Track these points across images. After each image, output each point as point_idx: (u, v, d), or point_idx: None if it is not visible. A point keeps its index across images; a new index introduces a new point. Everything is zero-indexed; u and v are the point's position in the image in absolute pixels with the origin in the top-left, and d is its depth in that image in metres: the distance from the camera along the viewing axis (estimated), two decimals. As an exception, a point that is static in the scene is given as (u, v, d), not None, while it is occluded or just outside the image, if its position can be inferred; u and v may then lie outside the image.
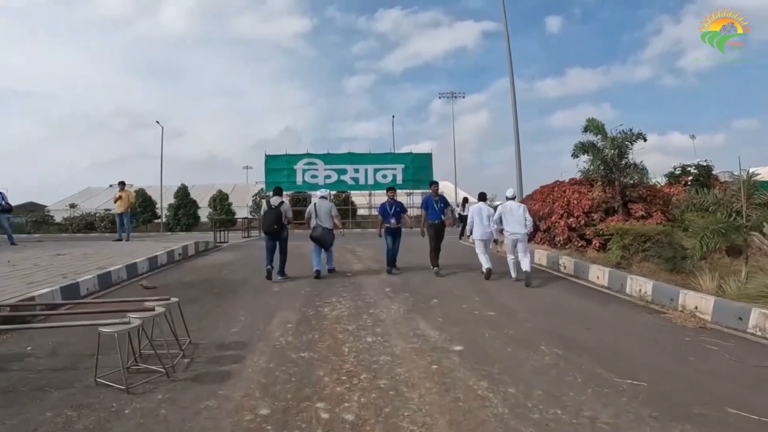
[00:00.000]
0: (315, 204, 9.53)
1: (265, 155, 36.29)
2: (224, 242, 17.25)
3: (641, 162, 10.66)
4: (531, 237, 10.32)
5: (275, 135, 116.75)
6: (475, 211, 9.50)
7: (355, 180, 36.12)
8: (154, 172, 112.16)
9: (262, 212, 9.64)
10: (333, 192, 37.51)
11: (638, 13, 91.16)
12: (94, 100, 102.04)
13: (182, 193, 40.48)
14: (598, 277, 7.86)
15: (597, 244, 9.86)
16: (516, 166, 15.38)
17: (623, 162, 10.45)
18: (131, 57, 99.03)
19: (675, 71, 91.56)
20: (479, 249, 9.41)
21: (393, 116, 45.27)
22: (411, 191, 37.43)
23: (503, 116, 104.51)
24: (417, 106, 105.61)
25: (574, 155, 11.39)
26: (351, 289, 7.86)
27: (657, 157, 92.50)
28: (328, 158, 36.34)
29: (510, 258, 9.00)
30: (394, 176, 36.11)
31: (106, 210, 42.34)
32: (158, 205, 42.82)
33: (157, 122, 41.20)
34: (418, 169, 36.15)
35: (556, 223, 10.32)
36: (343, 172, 36.00)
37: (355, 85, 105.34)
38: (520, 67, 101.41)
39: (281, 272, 9.21)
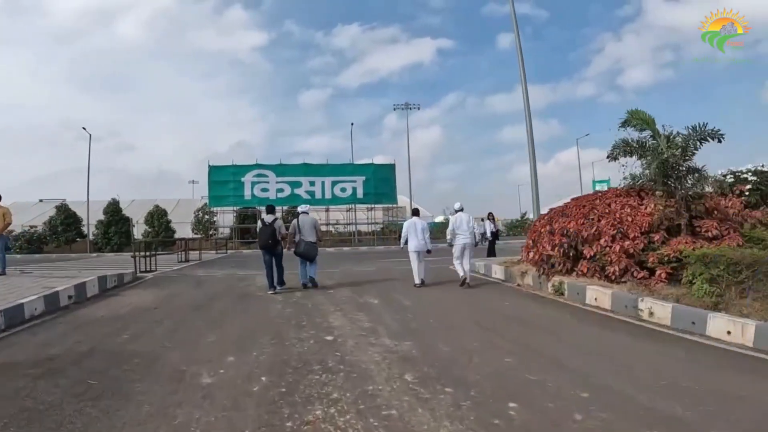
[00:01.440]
0: (298, 219, 9.76)
1: (209, 166, 32.41)
2: (149, 271, 13.57)
3: (704, 167, 8.11)
4: (572, 265, 7.87)
5: (226, 149, 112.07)
6: (410, 225, 10.02)
7: (311, 194, 32.77)
8: (99, 186, 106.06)
9: (257, 229, 10.31)
10: (285, 207, 34.03)
11: (583, 32, 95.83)
12: (40, 113, 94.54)
13: (113, 208, 35.63)
14: (729, 332, 4.96)
15: (663, 275, 7.16)
16: (532, 180, 13.00)
17: (684, 167, 7.92)
18: (81, 69, 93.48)
19: (615, 88, 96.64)
20: (413, 260, 9.87)
21: (352, 124, 42.65)
22: (372, 206, 34.41)
23: (455, 132, 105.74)
24: (370, 121, 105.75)
25: (613, 157, 8.77)
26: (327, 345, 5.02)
27: (598, 171, 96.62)
28: (280, 169, 32.82)
29: (457, 262, 9.64)
30: (354, 189, 33.05)
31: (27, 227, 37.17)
32: (84, 222, 37.70)
33: (84, 129, 36.25)
34: (381, 181, 33.25)
35: (608, 248, 7.54)
36: (298, 185, 32.60)
37: (310, 100, 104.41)
38: (472, 83, 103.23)
39: (280, 282, 9.51)
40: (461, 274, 9.45)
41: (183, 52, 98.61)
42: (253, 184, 32.19)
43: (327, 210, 34.08)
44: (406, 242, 9.97)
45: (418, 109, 48.25)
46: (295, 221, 9.77)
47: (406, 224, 10.23)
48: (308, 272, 9.79)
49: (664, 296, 6.60)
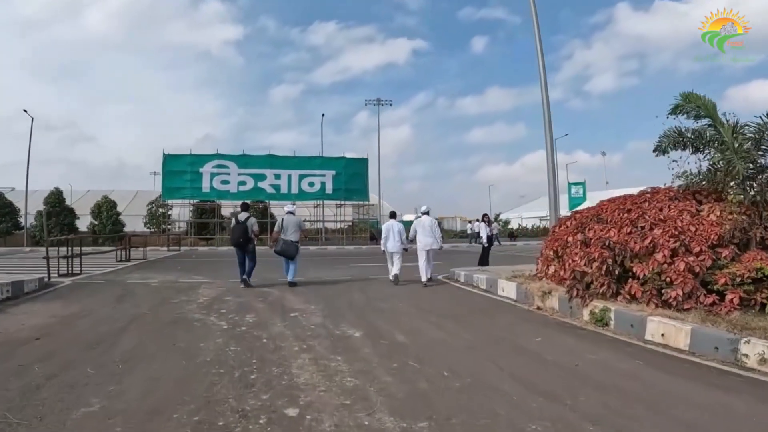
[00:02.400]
0: (283, 219, 9.81)
1: (164, 155, 29.39)
2: (70, 275, 10.91)
3: None
4: (616, 287, 5.85)
5: (192, 143, 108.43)
6: (388, 227, 10.53)
7: (276, 188, 30.21)
8: (53, 177, 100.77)
9: (231, 226, 10.12)
10: (249, 201, 31.31)
11: (555, 39, 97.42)
12: None
13: (55, 198, 32.18)
14: None
15: (735, 300, 5.31)
16: (549, 179, 11.62)
17: (758, 163, 6.11)
18: (43, 59, 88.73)
19: (582, 94, 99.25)
20: (392, 260, 10.34)
21: (323, 115, 40.05)
22: (342, 202, 32.11)
23: (424, 132, 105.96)
24: (341, 118, 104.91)
25: (662, 150, 6.91)
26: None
27: (562, 174, 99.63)
28: (243, 160, 30.10)
29: (420, 264, 9.96)
30: (323, 184, 30.66)
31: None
32: (22, 213, 34.01)
33: (25, 111, 32.55)
34: (352, 177, 30.97)
35: (668, 266, 5.62)
36: (262, 177, 29.97)
37: (281, 95, 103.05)
38: (444, 84, 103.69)
39: (248, 275, 9.66)
40: (422, 278, 9.89)
41: (152, 43, 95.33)
42: (213, 175, 29.37)
43: (293, 205, 31.58)
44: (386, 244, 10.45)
45: (390, 105, 46.59)
46: (280, 220, 9.94)
47: (384, 226, 10.90)
48: (288, 272, 9.79)
49: (740, 324, 4.72)
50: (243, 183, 29.71)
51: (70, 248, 12.14)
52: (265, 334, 5.54)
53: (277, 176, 30.10)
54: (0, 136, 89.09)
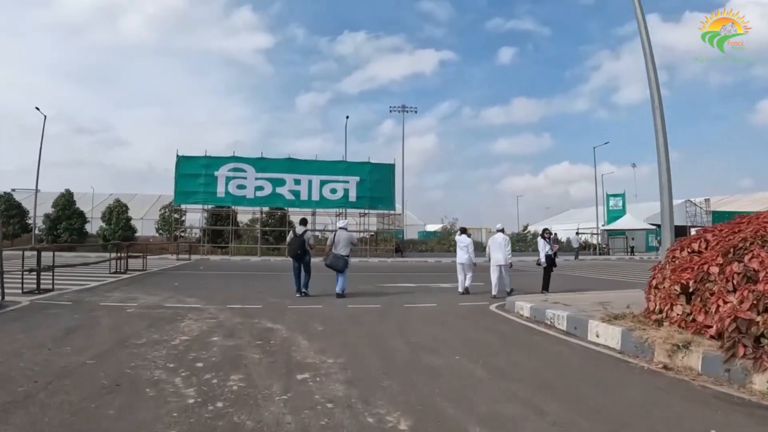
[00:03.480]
0: (336, 234, 10.24)
1: (177, 156, 27.61)
2: (39, 292, 8.82)
3: None
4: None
5: (222, 148, 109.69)
6: (458, 241, 11.28)
7: (296, 194, 28.11)
8: (86, 179, 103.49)
9: (288, 240, 10.80)
10: (266, 208, 29.41)
11: (583, 49, 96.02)
12: (35, 104, 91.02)
13: (64, 201, 30.73)
14: None
15: None
16: (663, 190, 9.13)
17: None
18: (82, 63, 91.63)
19: (609, 105, 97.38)
20: (459, 271, 10.96)
21: (347, 117, 38.10)
22: (366, 211, 29.82)
23: (448, 141, 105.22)
24: (365, 126, 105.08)
25: None
26: None
27: (587, 185, 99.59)
28: (261, 164, 28.11)
29: (492, 278, 10.39)
30: (346, 191, 28.45)
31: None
32: (31, 215, 32.73)
33: (37, 108, 31.31)
34: (377, 183, 28.68)
35: None
36: (280, 183, 27.92)
37: (307, 103, 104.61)
38: (469, 93, 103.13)
39: (305, 286, 10.12)
40: (492, 291, 10.28)
41: (184, 49, 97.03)
42: (228, 179, 27.44)
43: (314, 213, 29.38)
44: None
45: (415, 112, 43.98)
46: (332, 235, 10.36)
47: (458, 239, 11.46)
48: (337, 284, 10.02)
49: None
50: (260, 188, 27.71)
51: (49, 259, 10.10)
52: (251, 421, 3.23)
53: (297, 181, 28.01)
54: (32, 138, 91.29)
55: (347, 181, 28.37)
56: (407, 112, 43.42)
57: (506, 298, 8.90)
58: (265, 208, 29.61)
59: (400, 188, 32.54)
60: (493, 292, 10.17)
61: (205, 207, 28.54)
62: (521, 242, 39.23)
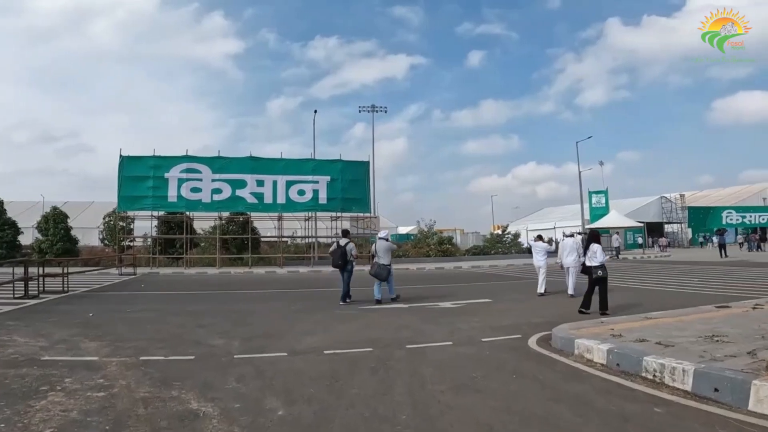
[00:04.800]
0: (375, 244, 10.99)
1: (121, 156, 24.17)
2: None
3: None
4: None
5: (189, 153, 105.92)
6: (534, 246, 12.29)
7: (259, 197, 25.01)
8: (51, 187, 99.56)
9: (330, 250, 11.24)
10: (225, 213, 26.24)
11: (549, 52, 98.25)
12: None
13: (-9, 210, 26.81)
14: None
15: None
16: None
17: None
18: (46, 70, 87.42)
19: (573, 107, 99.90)
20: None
21: (315, 111, 35.07)
22: (339, 214, 26.95)
23: (419, 144, 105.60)
24: (336, 130, 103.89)
25: None
26: None
27: (553, 185, 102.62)
28: (218, 164, 24.93)
29: (567, 280, 11.28)
30: (316, 192, 25.53)
31: None
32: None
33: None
34: (351, 183, 25.86)
35: None
36: (241, 184, 24.80)
37: (278, 107, 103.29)
38: (439, 96, 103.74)
39: (348, 296, 10.63)
40: (569, 290, 11.16)
41: (153, 56, 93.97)
42: (181, 181, 24.16)
43: (280, 218, 26.35)
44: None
45: (385, 112, 41.93)
46: (373, 246, 11.37)
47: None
48: (384, 290, 10.62)
49: None
50: (218, 191, 24.54)
51: None
52: None
53: (260, 183, 24.94)
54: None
55: (317, 182, 25.46)
56: (377, 112, 41.21)
57: (552, 330, 6.24)
58: (225, 213, 26.42)
59: (371, 190, 29.91)
60: (570, 291, 11.07)
61: (155, 213, 25.13)
62: (499, 244, 36.97)
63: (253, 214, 26.44)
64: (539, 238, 12.89)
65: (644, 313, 7.29)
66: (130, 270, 20.77)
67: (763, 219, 51.30)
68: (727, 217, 50.27)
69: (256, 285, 16.16)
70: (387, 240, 11.03)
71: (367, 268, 11.19)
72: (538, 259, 11.87)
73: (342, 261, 10.46)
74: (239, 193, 24.66)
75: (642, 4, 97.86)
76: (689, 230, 50.71)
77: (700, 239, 46.26)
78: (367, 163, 27.17)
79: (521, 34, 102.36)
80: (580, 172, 38.47)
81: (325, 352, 5.84)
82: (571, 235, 12.23)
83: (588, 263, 8.36)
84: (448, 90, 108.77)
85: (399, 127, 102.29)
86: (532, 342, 6.18)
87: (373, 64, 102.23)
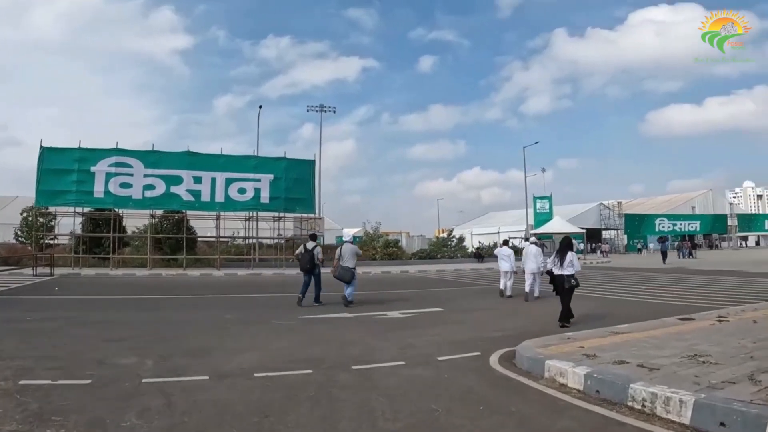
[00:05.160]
0: (341, 248, 10.91)
1: (41, 147, 22.13)
2: None
3: None
4: None
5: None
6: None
7: (196, 194, 23.60)
8: None
9: (298, 253, 11.34)
10: (159, 211, 24.61)
11: (498, 60, 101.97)
12: None
13: None
14: None
15: None
16: None
17: None
18: None
19: (518, 114, 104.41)
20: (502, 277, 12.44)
21: (260, 107, 33.94)
22: (282, 215, 25.90)
23: (367, 146, 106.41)
24: (283, 129, 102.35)
25: None
26: None
27: (496, 191, 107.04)
28: (151, 158, 23.31)
29: (527, 284, 11.65)
30: (257, 191, 24.39)
31: None
32: None
33: None
34: (295, 183, 24.90)
35: None
36: (176, 180, 23.30)
37: (225, 105, 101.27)
38: (389, 99, 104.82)
39: (317, 299, 10.68)
40: (527, 289, 11.66)
41: (95, 49, 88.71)
42: (109, 176, 22.40)
43: (218, 217, 24.98)
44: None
45: (334, 112, 41.12)
46: (339, 249, 11.04)
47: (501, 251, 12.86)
48: (346, 290, 10.61)
49: None
50: (151, 187, 22.93)
51: None
52: None
53: (198, 179, 23.54)
54: None
55: (259, 180, 24.33)
56: (325, 112, 40.40)
57: (516, 348, 5.66)
58: (159, 211, 24.79)
59: (317, 191, 29.05)
60: (527, 290, 11.59)
61: (79, 210, 23.19)
62: (445, 248, 36.92)
63: (190, 212, 24.93)
64: (505, 243, 13.44)
65: (608, 326, 6.85)
66: (47, 271, 18.92)
67: (692, 227, 54.40)
68: (659, 224, 52.88)
69: (188, 289, 14.98)
70: (352, 243, 11.27)
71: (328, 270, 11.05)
72: (504, 265, 12.35)
73: (311, 265, 10.64)
74: (174, 189, 23.16)
75: (588, 16, 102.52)
76: (625, 236, 52.93)
77: (638, 245, 48.24)
78: (313, 161, 26.32)
79: (472, 41, 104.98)
80: (526, 177, 39.23)
81: (257, 375, 4.98)
82: (535, 243, 12.45)
83: (564, 272, 7.91)
84: (398, 93, 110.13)
85: (348, 129, 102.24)
86: (494, 361, 5.58)
87: (326, 66, 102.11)
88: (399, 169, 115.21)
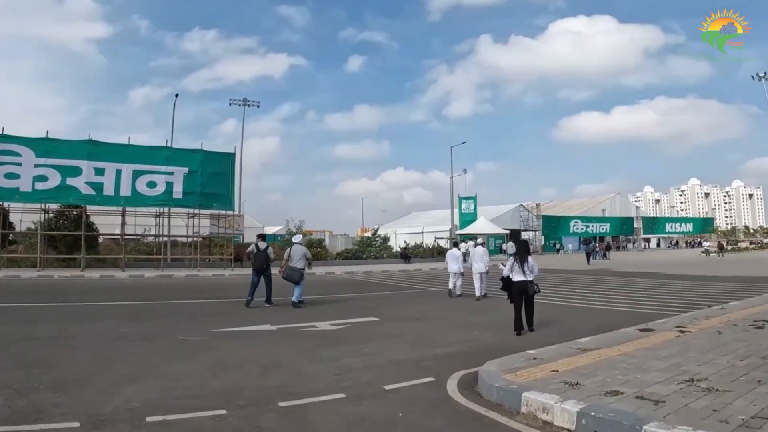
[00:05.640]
0: (291, 249, 11.13)
1: None
2: None
3: None
4: None
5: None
6: (474, 251, 12.88)
7: (97, 187, 21.26)
8: None
9: (249, 251, 11.54)
10: (54, 206, 21.97)
11: (425, 63, 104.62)
12: None
13: None
14: None
15: None
16: None
17: None
18: None
19: (441, 117, 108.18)
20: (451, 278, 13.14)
21: (176, 95, 31.41)
22: (196, 211, 24.03)
23: (291, 144, 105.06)
24: (204, 124, 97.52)
25: None
26: None
27: (419, 191, 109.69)
28: (44, 146, 20.68)
29: (475, 284, 12.27)
30: (170, 185, 22.42)
31: None
32: None
33: None
34: (212, 177, 23.18)
35: None
36: (74, 172, 20.84)
37: (142, 97, 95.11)
38: (315, 98, 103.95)
39: (268, 300, 10.81)
40: (476, 293, 12.25)
41: None
42: (-8, 165, 19.60)
43: (124, 213, 22.67)
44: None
45: (257, 107, 39.41)
46: (288, 250, 11.24)
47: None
48: (294, 294, 10.73)
49: None
50: (43, 178, 20.34)
51: None
52: None
53: (100, 171, 21.22)
54: None
55: (171, 173, 22.40)
56: (248, 106, 38.55)
57: (478, 373, 4.87)
58: (55, 206, 22.14)
59: (237, 187, 27.45)
60: (477, 293, 12.18)
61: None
62: (369, 248, 36.43)
63: (91, 207, 22.45)
64: (455, 245, 14.40)
65: (568, 341, 6.17)
66: None
67: (603, 228, 57.92)
68: (574, 226, 55.76)
69: (82, 295, 13.13)
70: (301, 245, 11.53)
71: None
72: (453, 266, 12.97)
73: (266, 264, 10.84)
74: (71, 182, 20.71)
75: (512, 24, 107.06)
76: (542, 237, 55.27)
77: (556, 246, 50.37)
78: (233, 155, 24.72)
79: (401, 44, 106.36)
80: (452, 177, 39.60)
81: (150, 419, 3.76)
82: (482, 244, 13.20)
83: (527, 278, 7.44)
84: (325, 92, 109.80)
85: (272, 126, 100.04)
86: (453, 389, 4.74)
87: (253, 61, 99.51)
88: (322, 167, 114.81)
